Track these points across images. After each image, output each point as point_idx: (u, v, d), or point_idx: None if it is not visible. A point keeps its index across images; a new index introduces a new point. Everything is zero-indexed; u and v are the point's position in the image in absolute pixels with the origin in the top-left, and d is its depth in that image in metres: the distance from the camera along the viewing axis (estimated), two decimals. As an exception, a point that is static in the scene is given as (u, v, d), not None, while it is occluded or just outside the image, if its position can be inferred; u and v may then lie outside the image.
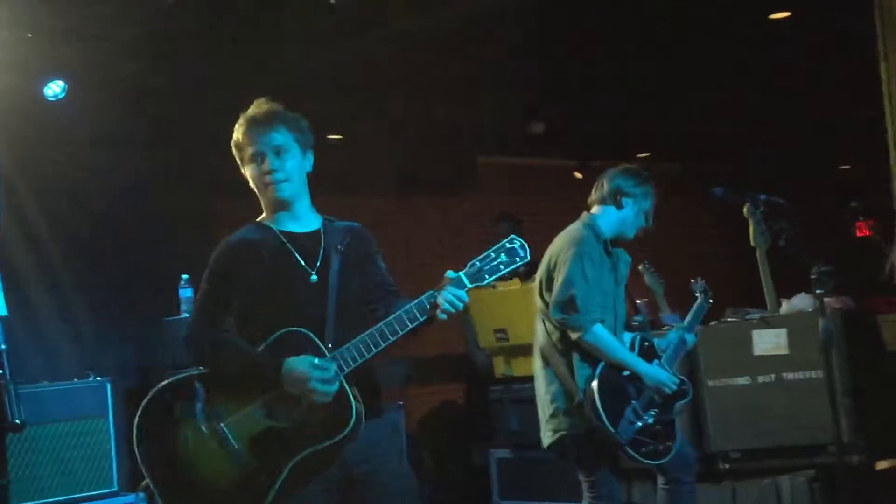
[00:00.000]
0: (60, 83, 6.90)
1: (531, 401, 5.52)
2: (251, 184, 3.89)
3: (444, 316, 3.60)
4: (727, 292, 5.95)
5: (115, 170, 7.83)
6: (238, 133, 3.86)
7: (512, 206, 9.15)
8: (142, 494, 6.74)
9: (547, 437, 5.25)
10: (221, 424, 3.62)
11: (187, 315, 7.06)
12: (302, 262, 3.76)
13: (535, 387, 5.39)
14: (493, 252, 3.64)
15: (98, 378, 6.80)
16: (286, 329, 3.64)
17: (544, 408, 5.26)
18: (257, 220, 3.92)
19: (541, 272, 5.36)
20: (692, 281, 5.76)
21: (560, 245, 5.29)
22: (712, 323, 6.62)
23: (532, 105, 8.94)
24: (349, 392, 3.57)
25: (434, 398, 9.61)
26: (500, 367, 7.53)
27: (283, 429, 3.59)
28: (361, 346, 3.56)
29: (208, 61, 7.07)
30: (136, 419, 3.73)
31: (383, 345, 3.59)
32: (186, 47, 6.81)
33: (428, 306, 3.60)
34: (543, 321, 5.30)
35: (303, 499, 3.59)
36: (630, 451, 5.06)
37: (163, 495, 3.68)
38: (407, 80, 7.91)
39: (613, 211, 5.35)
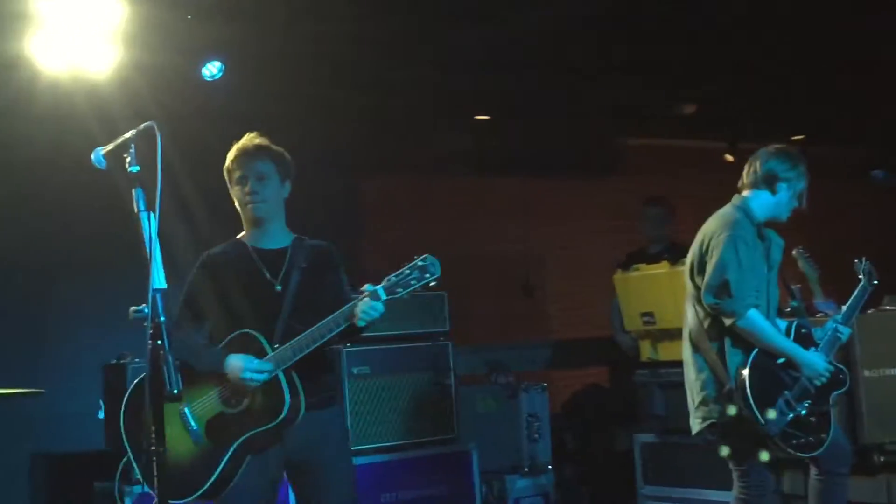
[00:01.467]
0: (218, 64, 7.07)
1: (678, 385, 5.43)
2: (236, 203, 4.62)
3: (362, 324, 4.21)
4: (886, 280, 5.71)
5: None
6: (229, 159, 4.62)
7: (660, 189, 9.00)
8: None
9: (696, 425, 5.16)
10: (185, 408, 4.31)
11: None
12: (267, 275, 4.48)
13: (683, 372, 5.30)
14: (407, 269, 4.19)
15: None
16: (240, 330, 4.37)
17: (693, 394, 5.17)
18: (237, 237, 4.65)
19: (691, 256, 5.25)
20: (856, 261, 5.54)
21: (712, 228, 5.18)
22: (870, 311, 6.38)
23: (682, 85, 8.76)
24: (284, 385, 4.24)
25: (577, 381, 9.55)
26: (645, 351, 7.42)
27: (231, 414, 4.29)
28: (296, 347, 4.23)
29: (359, 39, 7.12)
30: (124, 399, 4.45)
31: (313, 346, 4.24)
32: (339, 27, 6.87)
33: (348, 315, 4.23)
34: (694, 306, 5.19)
35: (247, 475, 4.23)
36: (780, 442, 4.93)
37: (139, 463, 4.40)
38: (557, 61, 7.84)
39: (767, 194, 5.21)
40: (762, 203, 5.21)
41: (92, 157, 3.63)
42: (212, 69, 7.06)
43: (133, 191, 3.46)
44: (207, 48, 7.00)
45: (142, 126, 3.54)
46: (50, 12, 6.22)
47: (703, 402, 5.09)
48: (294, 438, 4.33)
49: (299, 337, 4.25)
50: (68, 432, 7.06)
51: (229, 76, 7.09)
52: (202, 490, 4.23)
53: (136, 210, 3.43)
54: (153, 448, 3.35)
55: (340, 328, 4.24)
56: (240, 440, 4.22)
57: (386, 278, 4.20)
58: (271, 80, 7.41)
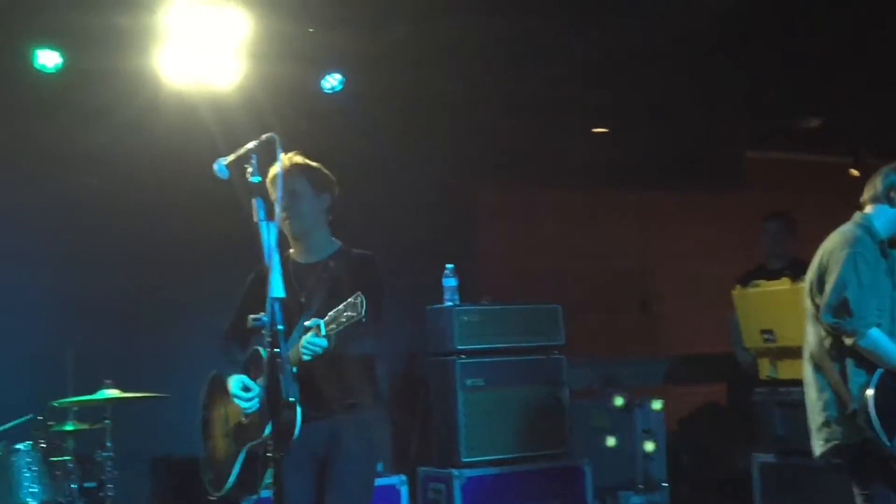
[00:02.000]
0: (338, 76, 7.17)
1: (798, 405, 5.30)
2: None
3: (306, 358, 4.15)
4: None
5: (383, 158, 8.05)
6: (268, 181, 4.39)
7: (782, 204, 8.81)
8: (404, 478, 6.91)
9: (818, 447, 5.02)
10: (224, 409, 4.59)
11: (450, 304, 7.19)
12: (296, 288, 4.50)
13: (804, 392, 5.16)
14: (342, 306, 4.14)
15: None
16: (255, 347, 4.49)
17: (815, 415, 5.03)
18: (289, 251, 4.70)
19: (811, 274, 5.12)
20: None
21: (832, 246, 5.04)
22: None
23: (805, 98, 8.57)
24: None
25: (695, 398, 9.39)
26: (765, 369, 7.25)
27: (243, 424, 4.47)
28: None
29: (477, 50, 7.14)
30: (201, 399, 4.78)
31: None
32: (458, 39, 6.90)
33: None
34: (814, 325, 5.06)
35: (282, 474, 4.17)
36: (907, 465, 4.77)
37: (204, 456, 4.73)
38: (677, 72, 7.74)
39: (889, 209, 5.06)
40: (885, 219, 5.06)
41: (214, 167, 3.70)
42: (332, 81, 7.16)
43: (253, 201, 3.51)
44: (328, 60, 7.10)
45: (263, 137, 3.60)
46: (176, 27, 6.39)
47: (826, 424, 4.95)
48: (312, 439, 4.35)
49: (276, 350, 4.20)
50: (188, 436, 7.20)
51: (349, 87, 7.18)
52: (226, 488, 4.53)
53: (255, 220, 3.49)
54: (278, 455, 3.37)
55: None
56: (244, 449, 4.44)
57: (328, 313, 4.17)
58: (389, 91, 7.47)
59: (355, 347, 4.36)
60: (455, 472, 7.02)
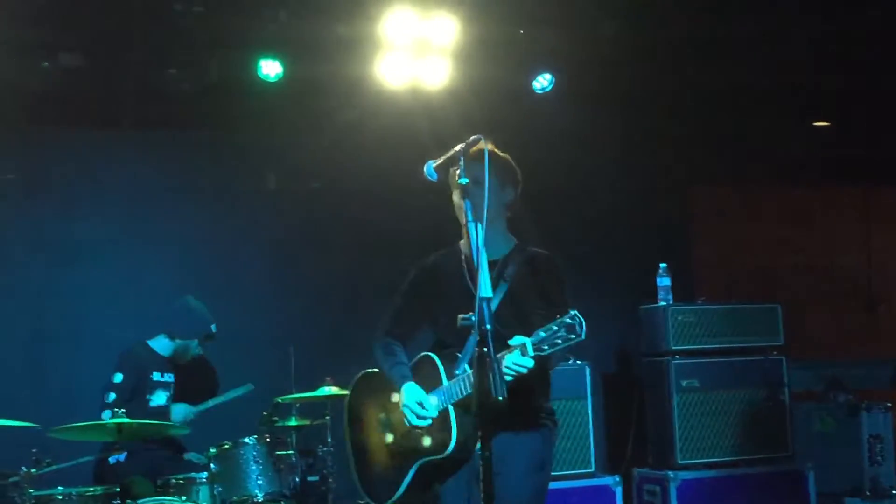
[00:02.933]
0: (549, 76, 7.19)
1: None
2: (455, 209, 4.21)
3: (508, 378, 3.72)
4: None
5: (596, 158, 8.02)
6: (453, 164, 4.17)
7: None
8: (618, 478, 6.86)
9: None
10: (382, 415, 4.32)
11: (664, 303, 7.10)
12: (470, 287, 4.04)
13: None
14: (555, 325, 3.82)
15: (578, 362, 6.98)
16: (424, 354, 4.23)
17: None
18: (459, 243, 4.33)
19: None
20: None
21: None
22: None
23: None
24: (452, 422, 4.03)
25: (925, 402, 8.94)
26: None
27: (414, 435, 4.17)
28: (464, 385, 3.99)
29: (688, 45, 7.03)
30: (349, 393, 4.53)
31: (469, 391, 3.91)
32: (669, 34, 6.82)
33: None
34: None
35: (446, 490, 4.15)
36: None
37: (354, 460, 4.44)
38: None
39: None
40: None
41: (424, 169, 3.77)
42: (542, 81, 7.18)
43: (462, 202, 3.56)
44: (538, 61, 7.13)
45: (470, 139, 3.64)
46: (391, 34, 6.56)
47: None
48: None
49: (463, 375, 4.02)
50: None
51: (560, 87, 7.19)
52: (390, 502, 4.24)
53: (463, 221, 3.54)
54: (485, 453, 3.36)
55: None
56: (416, 465, 4.16)
57: (535, 332, 3.84)
58: (600, 90, 7.44)
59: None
60: (671, 473, 6.93)
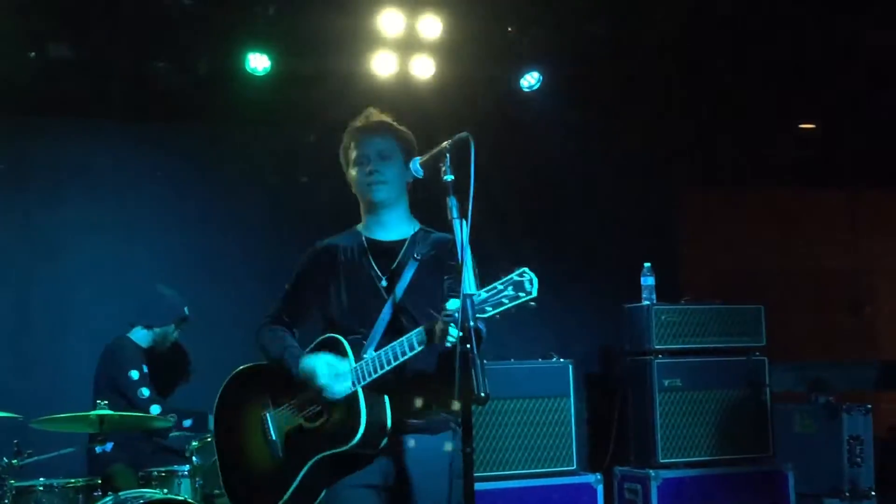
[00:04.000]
0: (536, 75, 7.20)
1: None
2: (353, 188, 4.03)
3: (448, 346, 3.50)
4: None
5: (585, 157, 8.04)
6: (347, 138, 4.05)
7: None
8: (599, 476, 6.88)
9: None
10: (266, 413, 3.93)
11: (647, 303, 7.12)
12: (375, 270, 3.91)
13: None
14: (500, 284, 3.49)
15: (561, 360, 7.01)
16: (328, 335, 3.86)
17: None
18: (356, 226, 4.08)
19: None
20: None
21: None
22: None
23: None
24: (361, 404, 3.68)
25: (908, 404, 9.01)
26: None
27: (309, 429, 3.81)
28: (378, 362, 3.68)
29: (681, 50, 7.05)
30: (217, 398, 4.06)
31: (392, 364, 3.66)
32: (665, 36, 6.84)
33: (423, 338, 3.62)
34: None
35: (344, 499, 3.76)
36: None
37: (221, 467, 4.05)
38: (887, 64, 7.45)
39: None
40: None
41: (410, 166, 3.77)
42: (530, 80, 7.19)
43: (447, 199, 3.56)
44: (526, 58, 7.15)
45: (457, 136, 3.64)
46: (380, 29, 6.58)
47: None
48: (390, 462, 3.77)
49: (381, 351, 3.69)
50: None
51: (548, 86, 7.20)
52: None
53: (449, 217, 3.54)
54: (466, 449, 3.34)
55: (415, 351, 3.64)
56: (312, 461, 3.77)
57: (476, 292, 3.52)
58: (592, 89, 7.46)
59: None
60: (652, 472, 6.96)
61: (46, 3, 6.31)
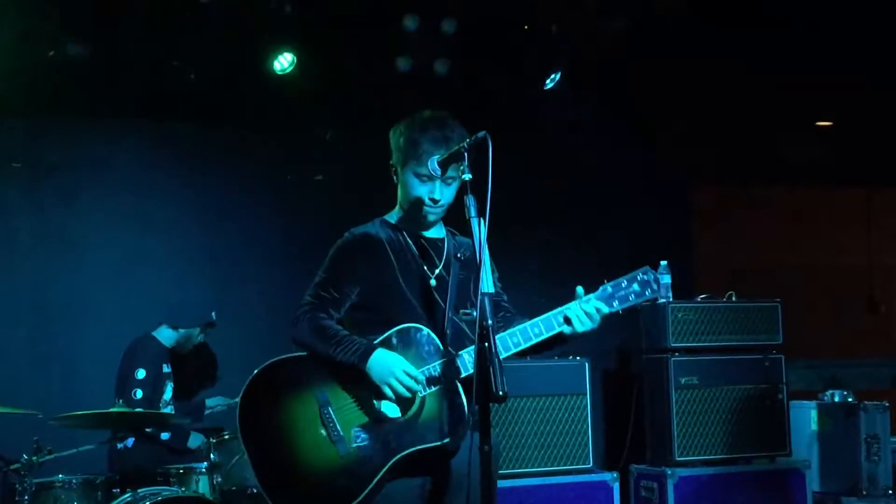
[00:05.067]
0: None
1: None
2: (403, 189, 3.92)
3: (570, 332, 3.60)
4: None
5: (596, 157, 8.04)
6: (418, 136, 3.85)
7: None
8: (616, 474, 6.88)
9: None
10: (329, 409, 3.69)
11: (664, 301, 7.12)
12: (423, 265, 3.88)
13: None
14: (625, 280, 3.62)
15: (578, 357, 7.01)
16: (407, 324, 3.74)
17: None
18: (385, 216, 4.01)
19: None
20: None
21: None
22: None
23: None
24: (464, 399, 3.59)
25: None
26: None
27: (389, 425, 3.67)
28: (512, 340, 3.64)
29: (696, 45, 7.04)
30: (241, 394, 3.76)
31: (512, 351, 3.64)
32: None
33: (561, 320, 3.64)
34: None
35: (400, 495, 3.63)
36: None
37: (259, 472, 3.69)
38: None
39: None
40: None
41: (428, 164, 3.78)
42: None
43: (465, 197, 3.57)
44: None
45: (476, 135, 3.64)
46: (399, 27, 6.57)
47: None
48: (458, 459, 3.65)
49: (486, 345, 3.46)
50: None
51: (563, 82, 7.21)
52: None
53: (467, 216, 3.55)
54: (484, 447, 3.33)
55: (551, 333, 3.68)
56: (395, 458, 3.64)
57: (602, 287, 3.69)
58: (603, 85, 7.47)
59: None
60: (668, 470, 6.95)
61: (65, 2, 6.34)
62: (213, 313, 6.67)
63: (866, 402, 7.77)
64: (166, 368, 6.44)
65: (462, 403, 3.64)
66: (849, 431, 7.69)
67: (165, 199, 7.35)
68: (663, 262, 7.18)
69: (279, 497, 3.69)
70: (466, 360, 3.71)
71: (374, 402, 3.71)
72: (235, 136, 7.47)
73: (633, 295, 3.65)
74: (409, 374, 3.65)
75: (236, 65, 6.89)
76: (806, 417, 7.79)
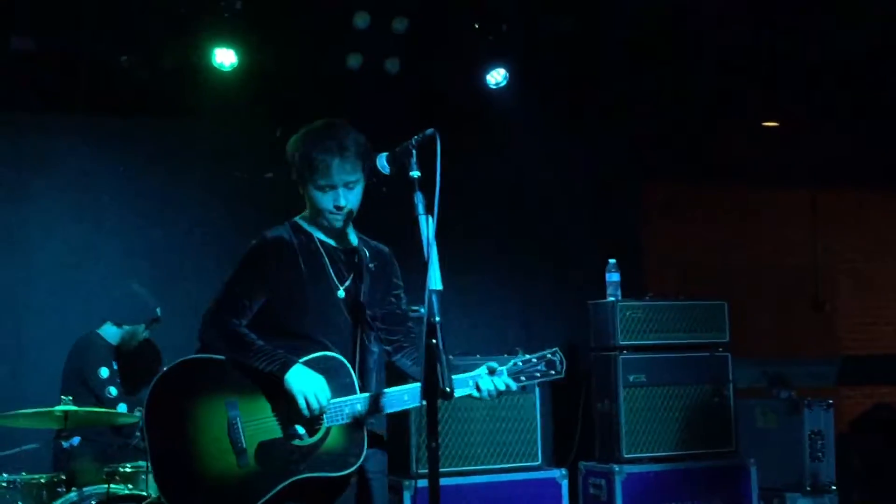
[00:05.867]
0: (503, 72, 7.25)
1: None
2: (308, 202, 3.93)
3: (477, 396, 3.78)
4: None
5: (550, 152, 8.07)
6: (309, 149, 3.85)
7: None
8: (564, 472, 6.91)
9: None
10: (238, 419, 3.69)
11: (612, 299, 7.16)
12: (332, 275, 3.86)
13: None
14: (535, 358, 3.80)
15: (526, 355, 7.01)
16: (326, 353, 3.75)
17: None
18: (296, 219, 3.98)
19: None
20: None
21: None
22: None
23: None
24: (365, 435, 3.71)
25: (867, 400, 9.12)
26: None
27: (292, 446, 3.69)
28: (386, 402, 3.73)
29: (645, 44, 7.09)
30: (151, 388, 3.75)
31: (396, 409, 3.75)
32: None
33: (467, 387, 3.77)
34: None
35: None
36: None
37: (157, 467, 3.71)
38: (850, 67, 7.53)
39: None
40: None
41: (376, 162, 3.77)
42: (497, 76, 7.23)
43: (413, 195, 3.57)
44: (493, 56, 7.17)
45: (424, 132, 3.64)
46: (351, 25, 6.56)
47: None
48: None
49: (393, 391, 3.76)
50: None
51: (513, 81, 7.23)
52: None
53: (415, 213, 3.56)
54: (432, 444, 3.34)
55: (463, 393, 3.79)
56: (293, 479, 3.67)
57: (512, 360, 3.84)
58: (553, 86, 7.49)
59: None
60: (616, 467, 6.99)
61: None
62: (158, 309, 6.62)
63: (811, 400, 7.86)
64: (114, 366, 6.39)
65: (363, 440, 3.72)
66: (793, 428, 7.78)
67: (111, 194, 7.28)
68: (612, 261, 7.23)
69: (173, 496, 3.70)
70: (392, 398, 3.77)
71: (282, 423, 3.72)
72: (183, 132, 7.41)
73: (538, 373, 3.83)
74: (318, 398, 3.66)
75: (185, 60, 6.84)
76: (751, 414, 7.88)
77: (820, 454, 7.71)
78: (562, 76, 7.43)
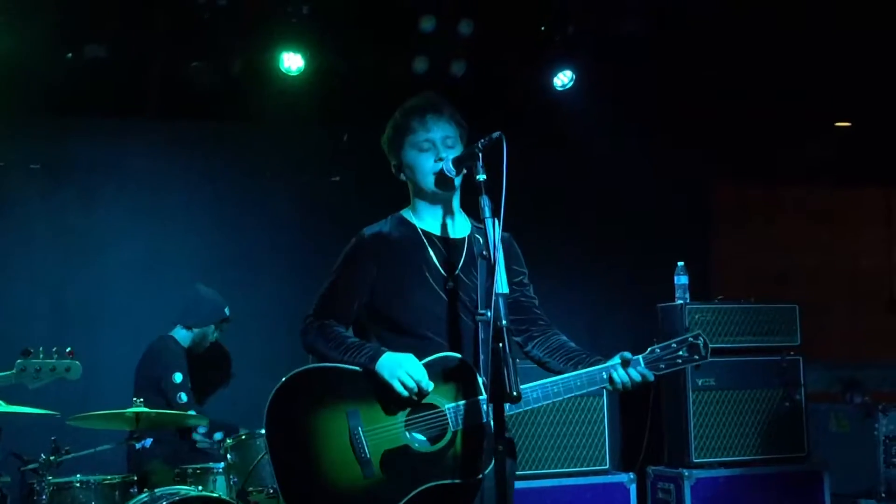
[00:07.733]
0: (569, 73, 7.23)
1: None
2: (406, 173, 3.79)
3: (610, 388, 3.61)
4: None
5: (614, 157, 8.02)
6: (404, 118, 3.78)
7: None
8: (632, 476, 6.86)
9: None
10: (360, 429, 3.57)
11: (681, 302, 7.09)
12: (439, 267, 3.72)
13: None
14: (675, 343, 3.59)
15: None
16: (446, 354, 3.61)
17: None
18: (400, 212, 3.85)
19: None
20: None
21: None
22: None
23: None
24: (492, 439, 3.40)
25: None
26: None
27: (418, 454, 3.55)
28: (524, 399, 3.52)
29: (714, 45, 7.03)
30: (270, 400, 3.60)
31: (544, 402, 3.62)
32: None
33: (604, 378, 3.62)
34: None
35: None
36: None
37: (282, 480, 3.59)
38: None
39: None
40: None
41: (443, 165, 3.76)
42: (563, 78, 7.21)
43: (479, 198, 3.55)
44: (560, 58, 7.15)
45: (490, 136, 3.63)
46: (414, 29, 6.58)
47: None
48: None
49: (526, 388, 3.54)
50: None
51: (580, 83, 7.19)
52: None
53: (482, 216, 3.55)
54: (498, 447, 3.31)
55: (592, 389, 3.66)
56: (421, 487, 3.53)
57: (650, 349, 3.62)
58: (622, 85, 7.44)
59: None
60: (685, 472, 6.93)
61: (83, 3, 6.37)
62: (227, 309, 6.69)
63: (885, 404, 7.72)
64: (186, 371, 6.47)
65: (490, 444, 3.47)
66: (867, 434, 7.65)
67: (182, 198, 7.38)
68: (680, 263, 7.17)
69: None
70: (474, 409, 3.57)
71: (406, 430, 3.60)
72: (252, 137, 7.49)
73: (680, 359, 3.63)
74: (412, 376, 3.52)
75: (253, 65, 6.91)
76: (824, 419, 7.76)
77: (895, 460, 7.57)
78: (629, 77, 7.37)
